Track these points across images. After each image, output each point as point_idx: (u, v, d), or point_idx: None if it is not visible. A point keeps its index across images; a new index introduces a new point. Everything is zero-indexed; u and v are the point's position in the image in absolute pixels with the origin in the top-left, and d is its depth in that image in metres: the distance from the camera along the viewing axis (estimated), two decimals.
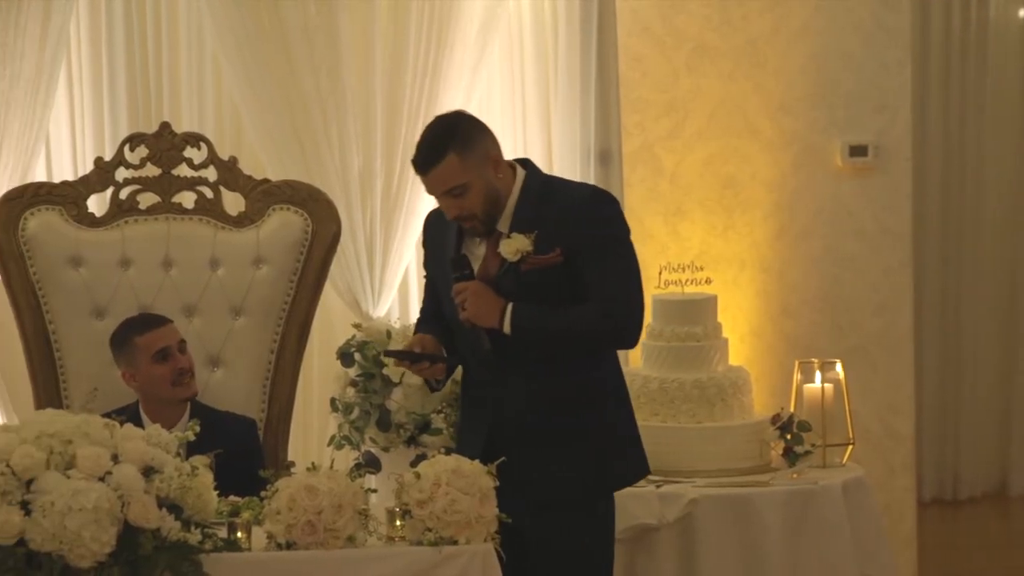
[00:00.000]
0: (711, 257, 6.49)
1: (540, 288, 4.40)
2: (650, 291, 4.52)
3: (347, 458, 5.68)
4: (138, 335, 4.97)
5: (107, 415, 4.23)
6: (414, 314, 6.13)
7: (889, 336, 6.66)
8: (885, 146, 6.63)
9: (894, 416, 6.68)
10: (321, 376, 6.14)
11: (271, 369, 5.30)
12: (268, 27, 5.93)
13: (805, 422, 5.74)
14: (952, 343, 8.59)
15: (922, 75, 8.19)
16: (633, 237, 4.52)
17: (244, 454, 4.80)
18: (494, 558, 4.03)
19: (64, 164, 6.04)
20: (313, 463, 4.08)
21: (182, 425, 4.76)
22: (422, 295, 6.13)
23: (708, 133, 6.57)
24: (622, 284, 4.42)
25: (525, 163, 4.55)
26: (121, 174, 5.36)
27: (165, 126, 5.41)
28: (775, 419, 5.75)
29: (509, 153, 4.61)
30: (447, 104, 6.00)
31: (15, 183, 5.63)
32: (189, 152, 5.38)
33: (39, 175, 5.89)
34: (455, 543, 4.00)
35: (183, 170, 5.37)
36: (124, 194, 5.34)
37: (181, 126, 5.79)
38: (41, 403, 5.17)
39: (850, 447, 5.81)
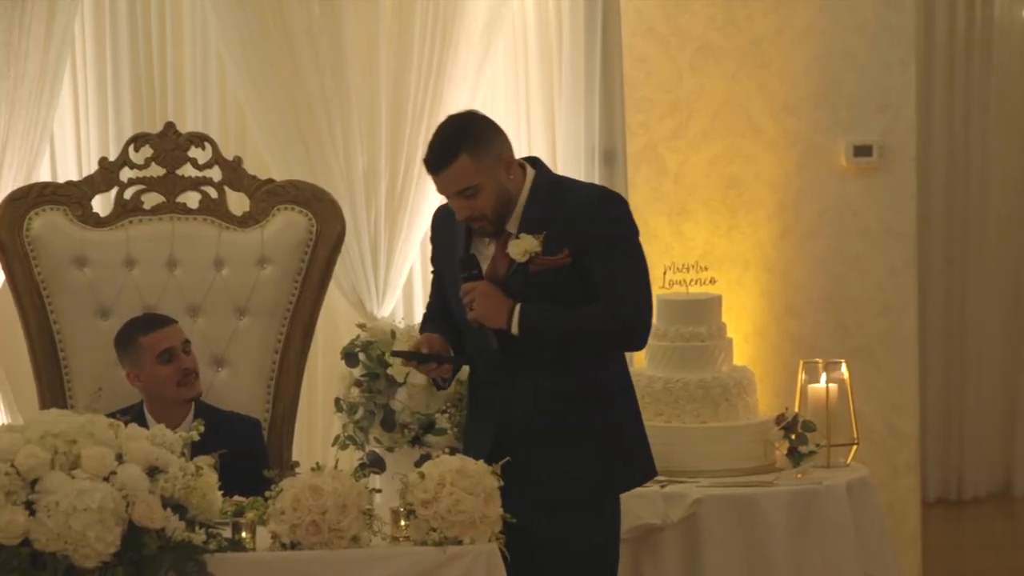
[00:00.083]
0: (715, 257, 6.49)
1: (549, 289, 4.38)
2: (654, 291, 4.51)
3: (351, 458, 5.68)
4: (142, 335, 4.97)
5: (112, 415, 4.24)
6: (418, 314, 6.13)
7: (893, 336, 6.66)
8: (889, 146, 6.63)
9: (898, 416, 6.68)
10: (325, 376, 6.14)
11: (275, 369, 5.29)
12: (272, 27, 5.93)
13: (809, 422, 5.74)
14: (957, 343, 8.59)
15: (926, 75, 8.19)
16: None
17: (248, 454, 4.80)
18: (498, 558, 4.03)
19: (68, 164, 6.04)
20: (317, 463, 4.08)
21: (186, 425, 4.76)
22: (426, 295, 6.18)
23: (712, 133, 6.57)
24: (630, 285, 4.40)
25: (535, 162, 4.53)
26: (125, 174, 5.36)
27: (169, 126, 5.41)
28: (779, 419, 5.75)
29: (514, 153, 4.59)
30: (451, 104, 6.01)
31: (20, 183, 5.63)
32: (193, 152, 5.38)
33: (44, 175, 5.89)
34: (459, 543, 4.00)
35: (187, 170, 5.37)
36: (128, 194, 5.34)
37: (185, 126, 5.79)
38: (46, 403, 5.17)
39: (854, 447, 5.81)
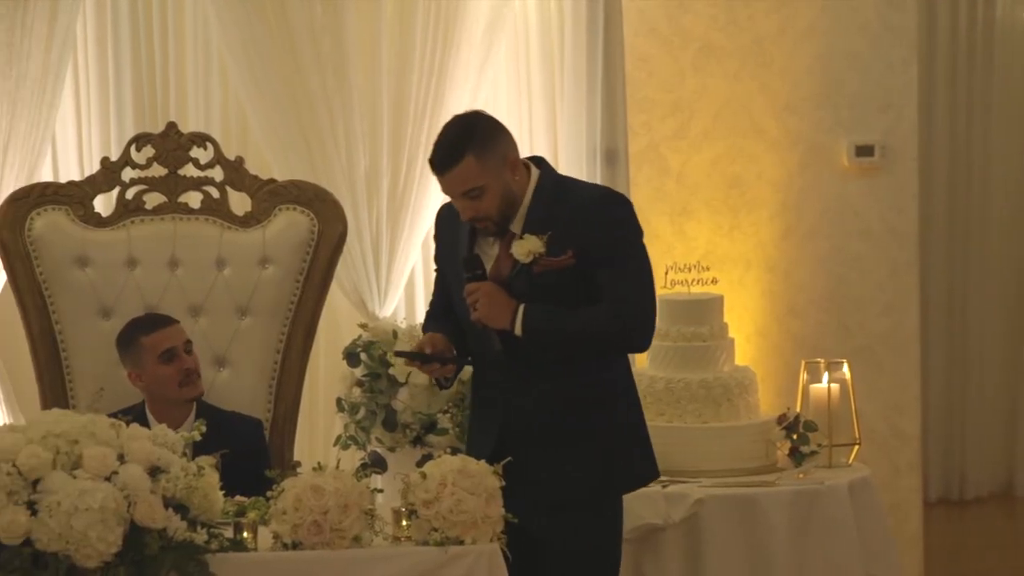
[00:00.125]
0: (717, 257, 6.49)
1: (552, 290, 4.37)
2: (656, 291, 4.50)
3: (353, 458, 5.68)
4: (144, 335, 4.98)
5: (113, 415, 4.24)
6: (420, 314, 6.13)
7: (895, 336, 6.66)
8: (891, 146, 6.63)
9: (900, 416, 6.68)
10: (327, 376, 6.14)
11: (277, 369, 5.29)
12: (274, 26, 5.93)
13: (811, 422, 5.74)
14: (959, 343, 8.58)
15: (928, 75, 8.18)
16: None
17: (250, 454, 4.80)
18: (500, 558, 4.03)
19: (70, 164, 6.04)
20: (319, 463, 4.08)
21: (188, 425, 4.76)
22: (427, 294, 6.18)
23: (714, 133, 6.57)
24: (634, 287, 4.39)
25: (539, 162, 4.52)
26: (127, 174, 5.36)
27: (171, 126, 5.41)
28: (781, 419, 5.75)
29: (519, 153, 4.54)
30: (453, 103, 6.01)
31: (21, 183, 5.63)
32: (195, 152, 5.38)
33: (45, 175, 5.89)
34: (461, 543, 4.00)
35: (189, 170, 5.37)
36: (130, 194, 5.34)
37: (187, 126, 5.80)
38: (47, 403, 5.18)
39: (856, 447, 5.81)
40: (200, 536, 3.94)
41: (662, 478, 5.26)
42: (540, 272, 4.37)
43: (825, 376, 5.83)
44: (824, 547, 5.48)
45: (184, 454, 4.06)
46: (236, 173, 5.37)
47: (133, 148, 5.36)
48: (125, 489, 3.87)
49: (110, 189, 5.35)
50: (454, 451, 4.33)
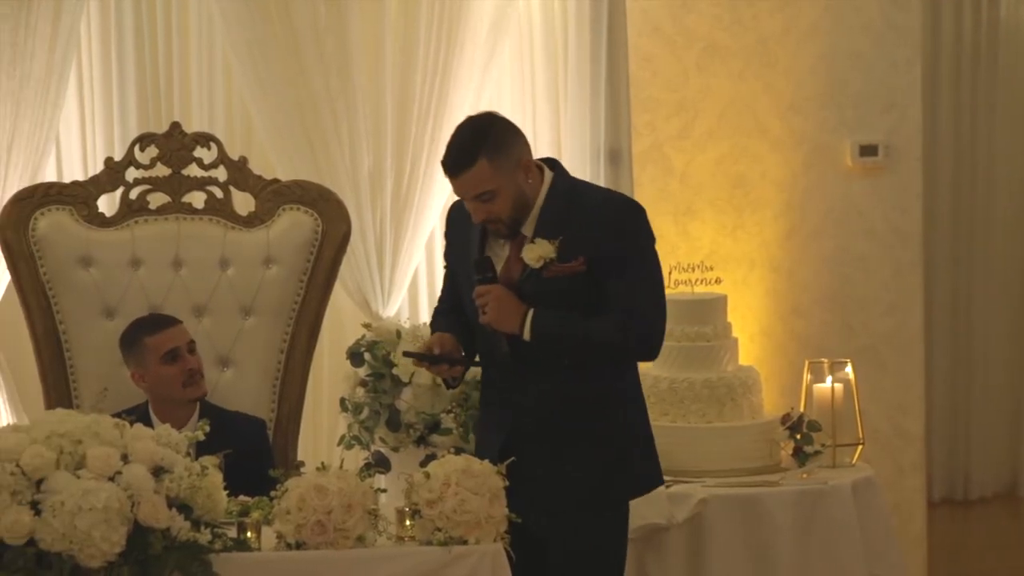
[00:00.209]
0: (721, 257, 6.49)
1: (563, 295, 4.34)
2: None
3: (357, 458, 5.68)
4: (148, 336, 4.98)
5: (117, 415, 4.23)
6: (424, 314, 6.14)
7: (899, 336, 6.66)
8: (895, 146, 6.63)
9: (904, 416, 6.68)
10: (331, 376, 6.14)
11: (281, 369, 5.30)
12: (278, 26, 5.93)
13: (815, 422, 5.74)
14: (963, 343, 8.57)
15: (932, 74, 8.18)
16: None
17: (254, 454, 4.81)
18: (504, 558, 4.03)
19: (74, 164, 6.05)
20: (323, 463, 4.08)
21: (192, 425, 4.76)
22: (431, 294, 6.19)
23: (718, 133, 6.57)
24: (646, 296, 4.36)
25: (553, 164, 4.48)
26: (131, 174, 5.36)
27: (175, 126, 5.41)
28: (785, 419, 5.75)
29: (532, 155, 4.49)
30: (457, 104, 6.01)
31: (25, 183, 5.64)
32: (199, 152, 5.38)
33: (49, 175, 5.90)
34: (465, 543, 4.00)
35: (193, 170, 5.37)
36: (134, 194, 5.34)
37: (191, 126, 5.80)
38: (51, 403, 5.18)
39: (860, 447, 5.81)
40: (204, 536, 3.95)
41: (666, 478, 5.26)
42: (550, 277, 4.35)
43: (829, 376, 5.83)
44: (828, 547, 5.48)
45: (188, 454, 4.06)
46: (240, 173, 5.37)
47: (137, 148, 5.36)
48: (129, 489, 3.88)
49: (114, 189, 5.35)
50: (458, 451, 4.32)
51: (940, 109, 8.42)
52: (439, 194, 6.05)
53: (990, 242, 8.57)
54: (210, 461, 4.04)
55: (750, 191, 6.57)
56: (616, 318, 4.33)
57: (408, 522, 4.06)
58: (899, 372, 6.66)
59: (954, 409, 8.58)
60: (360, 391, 5.76)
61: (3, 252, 5.26)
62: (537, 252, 4.34)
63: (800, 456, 5.71)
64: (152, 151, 5.37)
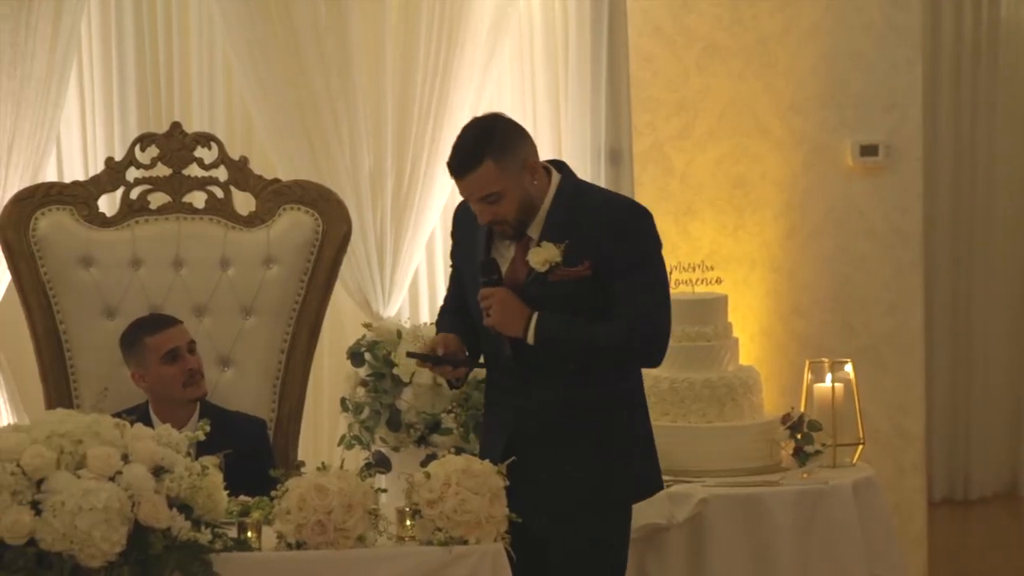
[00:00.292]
0: (721, 257, 6.49)
1: (567, 298, 4.33)
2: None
3: (357, 458, 5.67)
4: (148, 336, 4.98)
5: (117, 415, 4.24)
6: (424, 314, 6.14)
7: (900, 336, 6.66)
8: (896, 146, 6.63)
9: (904, 416, 6.68)
10: (331, 376, 6.14)
11: (281, 369, 5.30)
12: (278, 26, 5.94)
13: (815, 422, 5.74)
14: (963, 343, 8.58)
15: (932, 74, 8.18)
16: None
17: (254, 454, 4.81)
18: (504, 558, 4.03)
19: (75, 164, 6.05)
20: (323, 463, 4.08)
21: (192, 425, 4.76)
22: (432, 295, 6.19)
23: (718, 133, 6.57)
24: (651, 301, 4.34)
25: (560, 166, 4.46)
26: (132, 174, 5.36)
27: (176, 126, 5.41)
28: (785, 419, 5.75)
29: (539, 157, 4.47)
30: (457, 104, 6.02)
31: (26, 183, 5.64)
32: (200, 152, 5.38)
33: (50, 175, 5.90)
34: (465, 543, 4.00)
35: (193, 170, 5.37)
36: (135, 194, 5.34)
37: (192, 126, 5.80)
38: (52, 403, 5.18)
39: (860, 447, 5.81)
40: (204, 536, 3.95)
41: (666, 478, 5.26)
42: (556, 281, 4.34)
43: (829, 376, 5.83)
44: (828, 547, 5.48)
45: (188, 454, 4.06)
46: (240, 173, 5.37)
47: (137, 148, 5.36)
48: (129, 489, 3.88)
49: (114, 189, 5.35)
50: (458, 451, 4.32)
51: (940, 109, 8.42)
52: (439, 194, 6.05)
53: (990, 242, 8.57)
54: (210, 461, 4.04)
55: (750, 191, 6.57)
56: (622, 323, 4.31)
57: (408, 522, 4.06)
58: (899, 372, 6.66)
59: (954, 409, 8.58)
60: (361, 391, 5.76)
61: (4, 252, 5.26)
62: (543, 256, 4.33)
63: (800, 456, 5.71)
64: (153, 151, 5.37)
